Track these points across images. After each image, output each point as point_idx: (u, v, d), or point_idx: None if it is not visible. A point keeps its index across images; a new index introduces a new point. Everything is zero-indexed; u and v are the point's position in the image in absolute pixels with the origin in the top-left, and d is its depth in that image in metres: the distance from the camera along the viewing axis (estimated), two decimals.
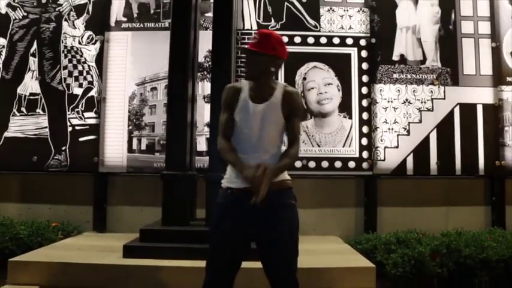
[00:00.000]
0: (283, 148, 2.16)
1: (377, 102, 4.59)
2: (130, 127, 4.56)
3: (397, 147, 4.55)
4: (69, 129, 4.55)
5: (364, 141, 4.54)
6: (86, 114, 4.57)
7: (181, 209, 3.64)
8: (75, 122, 4.56)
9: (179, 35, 3.82)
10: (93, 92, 4.59)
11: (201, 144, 4.46)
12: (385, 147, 4.55)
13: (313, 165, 4.48)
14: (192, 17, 3.90)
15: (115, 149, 4.51)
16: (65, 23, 4.66)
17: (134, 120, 4.57)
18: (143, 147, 4.53)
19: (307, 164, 4.47)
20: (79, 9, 4.67)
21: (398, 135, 4.57)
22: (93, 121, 4.56)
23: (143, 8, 4.67)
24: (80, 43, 4.64)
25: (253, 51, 2.07)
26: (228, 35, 3.81)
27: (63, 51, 4.63)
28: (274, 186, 1.99)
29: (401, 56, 4.67)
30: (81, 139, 4.54)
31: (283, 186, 2.08)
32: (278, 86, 2.13)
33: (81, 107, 4.58)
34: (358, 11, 4.70)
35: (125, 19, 4.66)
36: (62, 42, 4.64)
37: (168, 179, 3.64)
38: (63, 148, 4.53)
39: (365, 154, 4.53)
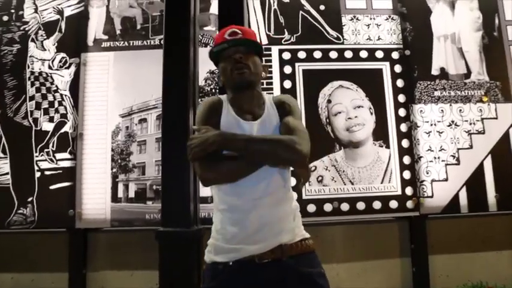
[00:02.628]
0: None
1: (418, 126, 3.78)
2: (114, 170, 3.63)
3: (446, 179, 3.71)
4: (37, 174, 3.61)
5: (407, 174, 3.69)
6: (58, 156, 3.64)
7: (185, 277, 2.74)
8: (44, 165, 3.62)
9: (174, 52, 3.01)
10: (67, 128, 3.68)
11: (207, 189, 3.52)
12: (432, 181, 3.70)
13: (346, 207, 3.59)
14: (191, 32, 3.11)
15: (96, 198, 3.56)
16: (31, 44, 3.80)
17: (119, 161, 3.65)
18: (131, 194, 3.59)
19: (338, 206, 3.57)
20: (49, 27, 3.82)
21: (446, 164, 3.73)
22: (67, 164, 3.62)
23: (128, 23, 3.84)
24: (50, 68, 3.76)
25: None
26: None
27: (29, 79, 3.74)
28: (292, 250, 1.53)
29: (442, 69, 3.90)
30: (52, 187, 3.59)
31: (306, 250, 1.58)
32: (265, 96, 1.72)
33: (52, 146, 3.65)
34: (387, 18, 3.95)
35: (106, 37, 3.81)
36: (28, 67, 3.76)
37: (166, 239, 2.73)
38: (30, 199, 3.57)
39: (409, 191, 3.66)
